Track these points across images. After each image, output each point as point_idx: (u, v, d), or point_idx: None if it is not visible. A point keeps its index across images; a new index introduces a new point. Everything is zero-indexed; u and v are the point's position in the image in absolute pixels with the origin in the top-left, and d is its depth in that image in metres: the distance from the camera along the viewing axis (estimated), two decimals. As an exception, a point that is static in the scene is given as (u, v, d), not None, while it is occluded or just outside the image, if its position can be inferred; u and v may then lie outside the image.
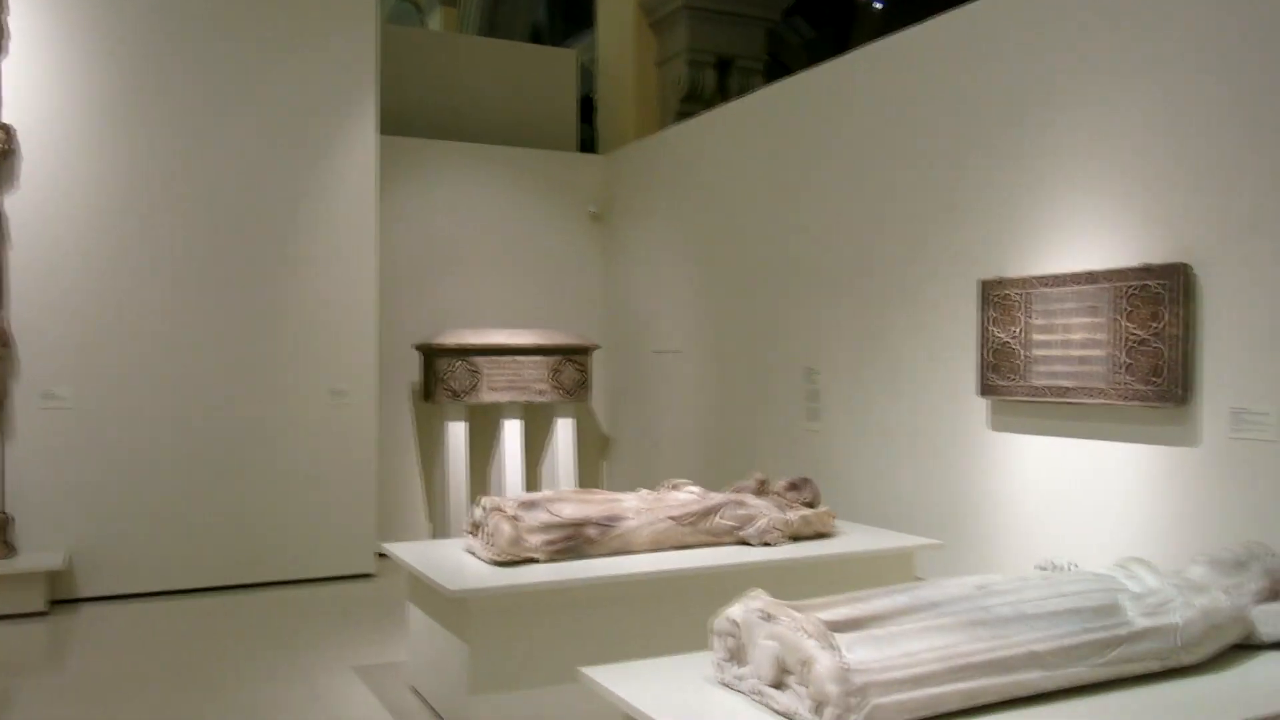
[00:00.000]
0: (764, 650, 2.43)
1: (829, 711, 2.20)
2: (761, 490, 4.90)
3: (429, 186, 7.72)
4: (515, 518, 4.25)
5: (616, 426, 8.14)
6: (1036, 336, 4.37)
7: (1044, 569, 2.94)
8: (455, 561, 4.23)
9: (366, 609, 5.94)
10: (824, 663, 2.24)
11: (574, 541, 4.24)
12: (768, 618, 2.43)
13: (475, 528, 4.36)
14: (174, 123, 6.22)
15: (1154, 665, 2.60)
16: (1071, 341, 4.22)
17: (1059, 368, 4.27)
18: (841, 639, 2.40)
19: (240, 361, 6.37)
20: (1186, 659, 2.64)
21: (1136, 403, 3.93)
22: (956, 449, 4.88)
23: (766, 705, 2.41)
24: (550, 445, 7.57)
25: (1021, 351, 4.44)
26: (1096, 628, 2.58)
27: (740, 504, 4.58)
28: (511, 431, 7.33)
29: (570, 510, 4.37)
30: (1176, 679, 2.62)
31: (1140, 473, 4.02)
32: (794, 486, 4.90)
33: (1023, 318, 4.43)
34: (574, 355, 7.46)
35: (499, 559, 4.10)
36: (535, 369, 7.31)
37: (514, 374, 7.25)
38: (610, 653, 3.91)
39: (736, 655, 2.57)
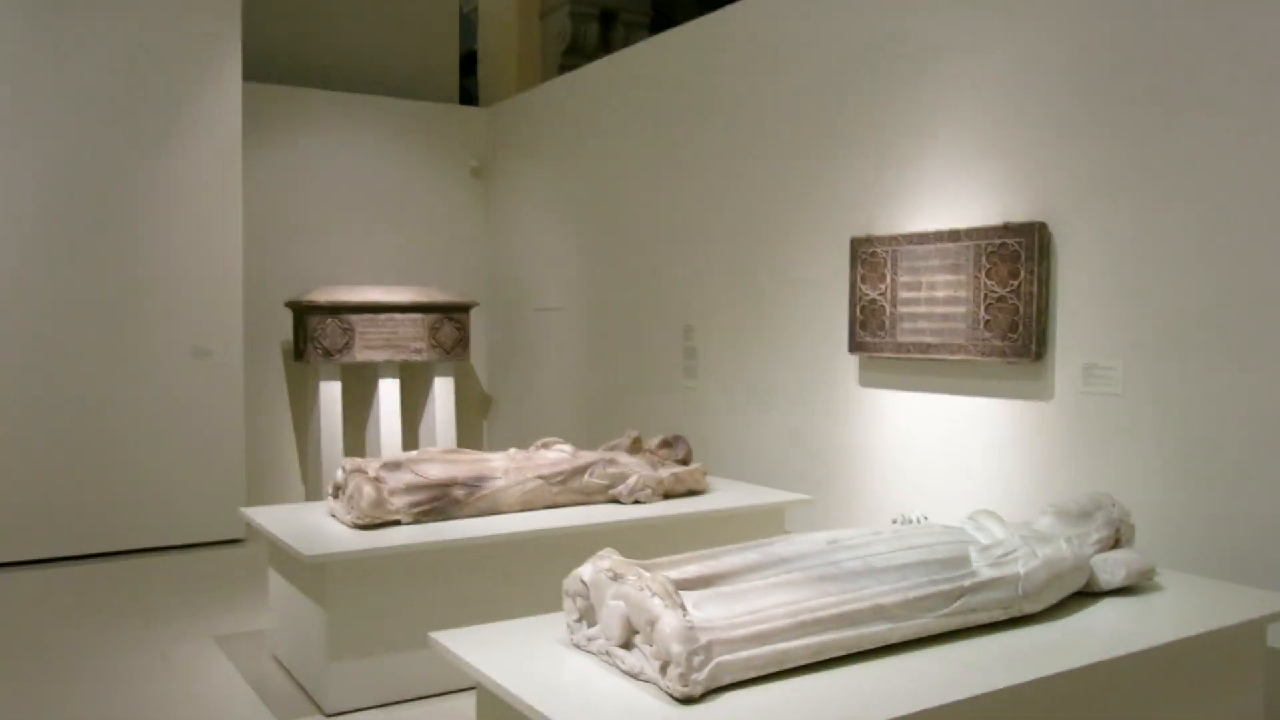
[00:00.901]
0: (612, 611, 2.39)
1: (673, 671, 2.17)
2: (635, 448, 4.87)
3: (301, 137, 7.41)
4: (378, 479, 4.13)
5: (497, 385, 8.02)
6: (903, 294, 4.42)
7: (896, 522, 2.97)
8: (316, 526, 4.09)
9: (232, 576, 5.74)
10: (668, 622, 2.21)
11: (440, 503, 4.15)
12: (615, 577, 2.39)
13: (337, 490, 4.23)
14: (10, 67, 5.81)
15: (998, 614, 2.65)
16: (936, 299, 4.28)
17: (923, 324, 4.32)
18: (689, 597, 2.38)
19: (95, 321, 6.03)
20: (1029, 607, 2.70)
21: (994, 358, 4.01)
22: (827, 406, 4.93)
23: (615, 666, 2.38)
24: (429, 405, 7.41)
25: (889, 309, 4.48)
26: (942, 579, 2.61)
27: (611, 462, 4.55)
28: (388, 391, 7.16)
29: (436, 471, 4.27)
30: (1019, 627, 2.68)
31: (997, 427, 4.11)
32: (666, 444, 4.89)
33: (890, 275, 4.47)
34: (453, 313, 7.30)
35: (361, 522, 3.98)
36: (412, 327, 7.14)
37: (390, 332, 7.07)
38: (477, 616, 3.83)
39: (587, 616, 2.52)
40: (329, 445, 6.93)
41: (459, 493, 4.21)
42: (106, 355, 6.07)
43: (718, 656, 2.23)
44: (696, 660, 2.18)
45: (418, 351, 7.16)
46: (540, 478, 4.37)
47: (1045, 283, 3.89)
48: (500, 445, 7.61)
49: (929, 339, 4.29)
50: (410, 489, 4.12)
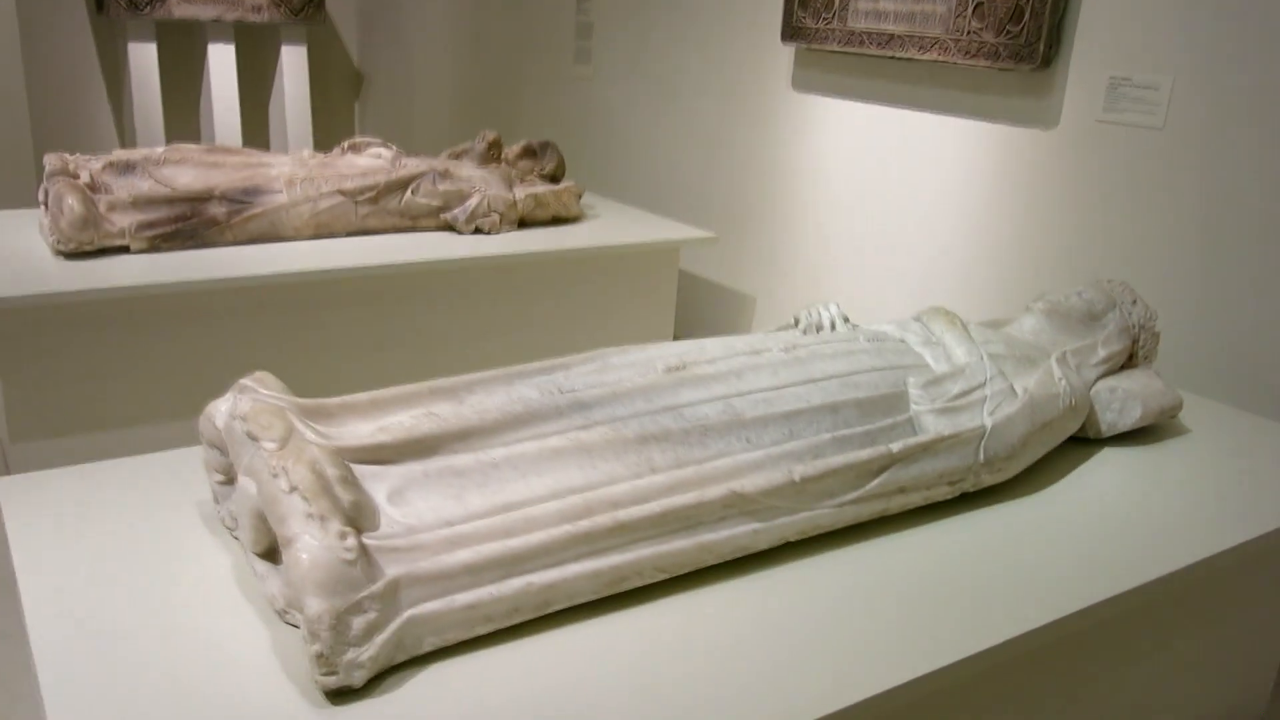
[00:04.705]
0: (242, 495, 1.31)
1: (310, 646, 1.12)
2: (490, 156, 3.65)
3: None
4: (92, 186, 2.91)
5: (371, 58, 6.54)
6: (865, -42, 3.09)
7: (798, 326, 1.86)
8: (8, 248, 2.91)
9: None
10: (306, 548, 1.13)
11: (189, 224, 2.96)
12: (251, 437, 1.28)
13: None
14: None
15: (940, 493, 1.61)
16: (910, -33, 2.96)
17: (887, 5, 3.02)
18: (391, 475, 1.30)
19: None
20: (990, 479, 1.66)
21: (982, 61, 2.76)
22: (749, 113, 3.69)
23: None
24: (277, 82, 5.98)
25: (838, -21, 3.15)
26: (857, 437, 1.55)
27: (446, 175, 3.34)
28: (220, 62, 5.68)
29: (187, 177, 3.05)
30: (971, 508, 1.66)
31: (976, 163, 2.94)
32: (529, 152, 3.67)
33: (849, -72, 3.11)
34: (302, -38, 5.70)
35: (64, 248, 2.80)
36: (248, -23, 5.57)
37: (219, -18, 5.51)
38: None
39: (235, 480, 1.45)
40: (146, 129, 5.54)
41: (219, 210, 3.01)
42: None
43: (411, 607, 1.18)
44: (358, 624, 1.13)
45: (256, 9, 5.63)
46: (342, 193, 3.17)
47: (1073, -52, 2.60)
48: (379, 135, 6.31)
49: (892, 26, 3.00)
50: (143, 203, 2.91)
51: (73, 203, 2.78)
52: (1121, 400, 1.91)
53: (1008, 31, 2.68)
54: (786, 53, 3.46)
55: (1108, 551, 1.56)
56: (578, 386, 1.47)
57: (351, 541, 1.15)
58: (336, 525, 1.15)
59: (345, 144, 3.40)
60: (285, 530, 1.16)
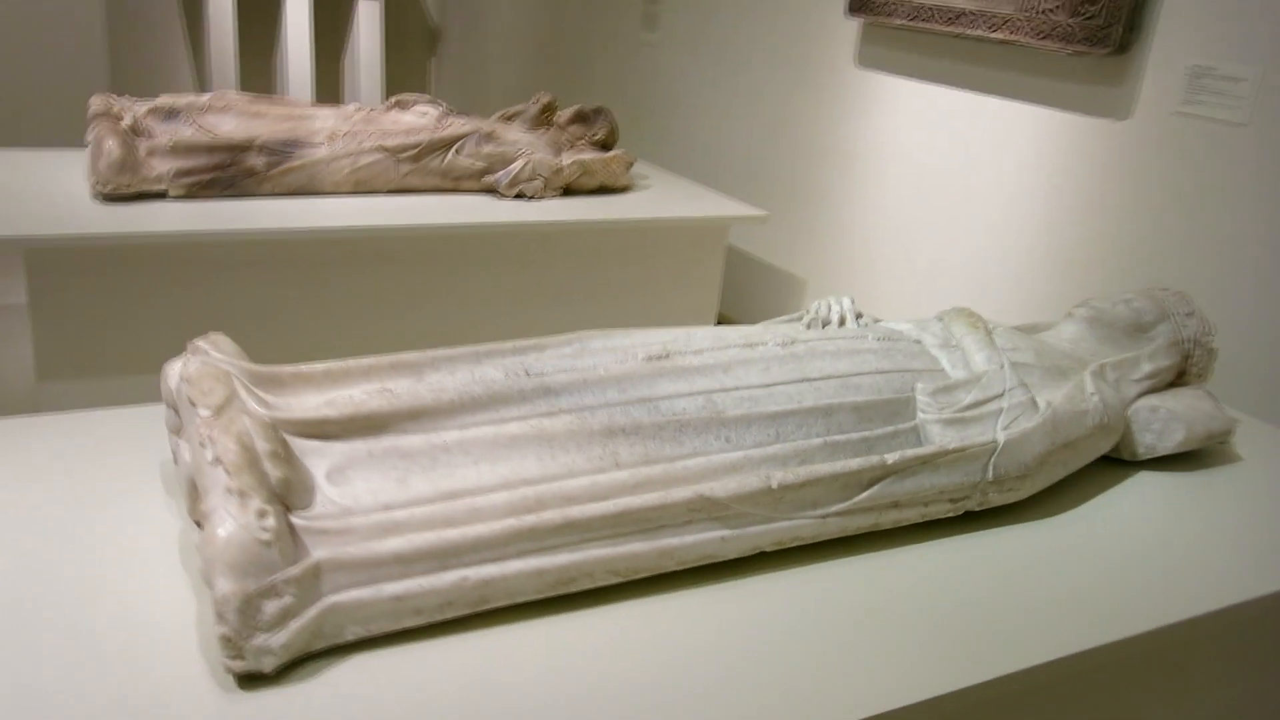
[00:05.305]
0: (181, 462, 1.26)
1: (218, 627, 1.06)
2: (543, 120, 3.57)
3: None
4: (134, 130, 2.90)
5: (447, 15, 6.50)
6: (940, -72, 2.90)
7: (805, 320, 1.73)
8: (46, 188, 2.92)
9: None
10: (220, 525, 1.07)
11: (228, 172, 2.94)
12: (190, 402, 1.23)
13: (93, 141, 3.02)
14: None
15: (940, 510, 1.49)
16: (986, -61, 2.77)
17: (960, -21, 2.85)
18: (331, 453, 1.23)
19: None
20: (999, 498, 1.53)
21: (1054, 43, 2.58)
22: (812, 88, 3.53)
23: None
24: (351, 35, 5.98)
25: (915, -50, 2.98)
26: (851, 444, 1.44)
27: (491, 136, 3.27)
28: (296, 11, 5.70)
29: (229, 125, 3.03)
30: (975, 529, 1.54)
31: (1041, 151, 2.76)
32: (581, 118, 3.57)
33: (926, -104, 2.93)
34: (381, -87, 5.68)
35: (103, 190, 2.80)
36: (327, -74, 5.56)
37: (297, -70, 5.51)
38: (264, 346, 2.77)
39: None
40: (221, 79, 5.57)
41: (257, 161, 2.98)
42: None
43: (334, 593, 1.11)
44: (270, 609, 1.07)
45: (334, -39, 5.62)
46: (383, 149, 3.12)
47: (1162, -75, 2.40)
48: (450, 94, 6.29)
49: (962, 2, 2.82)
50: (182, 150, 2.89)
51: (111, 145, 2.77)
52: (1163, 421, 1.76)
53: (1083, 12, 2.49)
54: (853, 27, 3.30)
55: (1123, 586, 1.42)
56: (547, 370, 1.38)
57: (271, 521, 1.08)
58: (257, 503, 1.09)
59: (393, 99, 3.34)
60: (205, 504, 1.10)
